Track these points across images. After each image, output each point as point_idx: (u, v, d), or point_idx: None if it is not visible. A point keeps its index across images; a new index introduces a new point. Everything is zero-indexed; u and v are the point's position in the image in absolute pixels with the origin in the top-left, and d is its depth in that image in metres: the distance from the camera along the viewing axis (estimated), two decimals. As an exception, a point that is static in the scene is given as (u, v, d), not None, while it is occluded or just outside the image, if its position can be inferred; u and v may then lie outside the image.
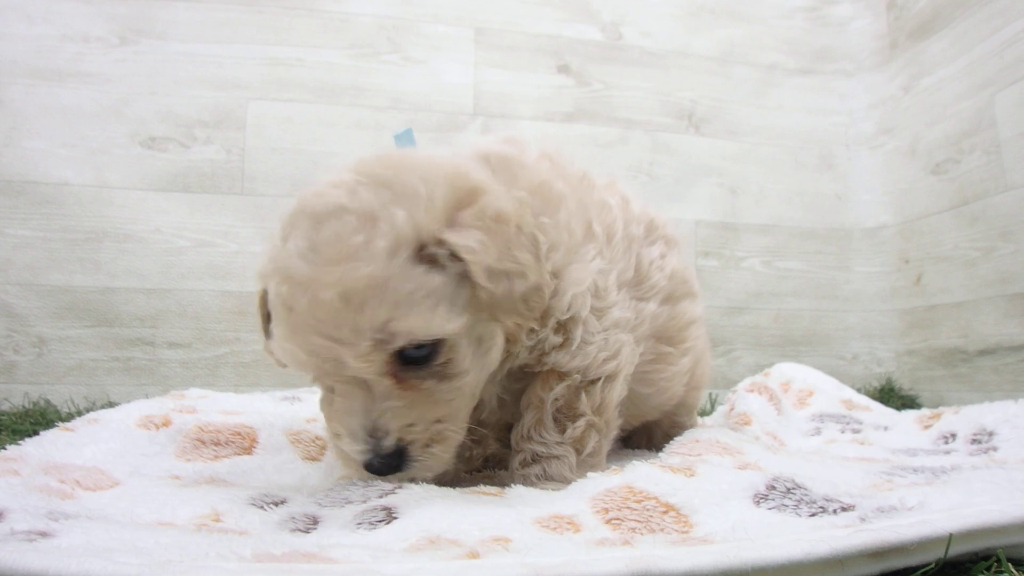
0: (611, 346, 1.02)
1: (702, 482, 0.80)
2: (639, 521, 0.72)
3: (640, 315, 1.10)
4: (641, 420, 1.30)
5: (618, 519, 0.72)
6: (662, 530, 0.71)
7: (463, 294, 0.87)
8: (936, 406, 2.12)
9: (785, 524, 0.71)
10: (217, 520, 0.76)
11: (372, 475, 0.87)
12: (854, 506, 0.75)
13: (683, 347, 1.23)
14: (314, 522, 0.77)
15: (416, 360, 0.86)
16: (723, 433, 1.07)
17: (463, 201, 0.88)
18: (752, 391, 1.53)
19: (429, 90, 2.48)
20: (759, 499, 0.77)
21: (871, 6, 2.84)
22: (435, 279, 0.85)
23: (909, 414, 1.57)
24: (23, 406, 1.95)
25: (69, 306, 2.17)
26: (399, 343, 0.83)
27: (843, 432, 1.49)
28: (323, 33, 2.42)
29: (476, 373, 0.92)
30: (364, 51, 2.44)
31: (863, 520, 0.70)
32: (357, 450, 0.85)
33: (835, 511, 0.73)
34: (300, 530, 0.75)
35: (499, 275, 0.86)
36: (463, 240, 0.85)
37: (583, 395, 1.00)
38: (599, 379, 1.01)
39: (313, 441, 1.20)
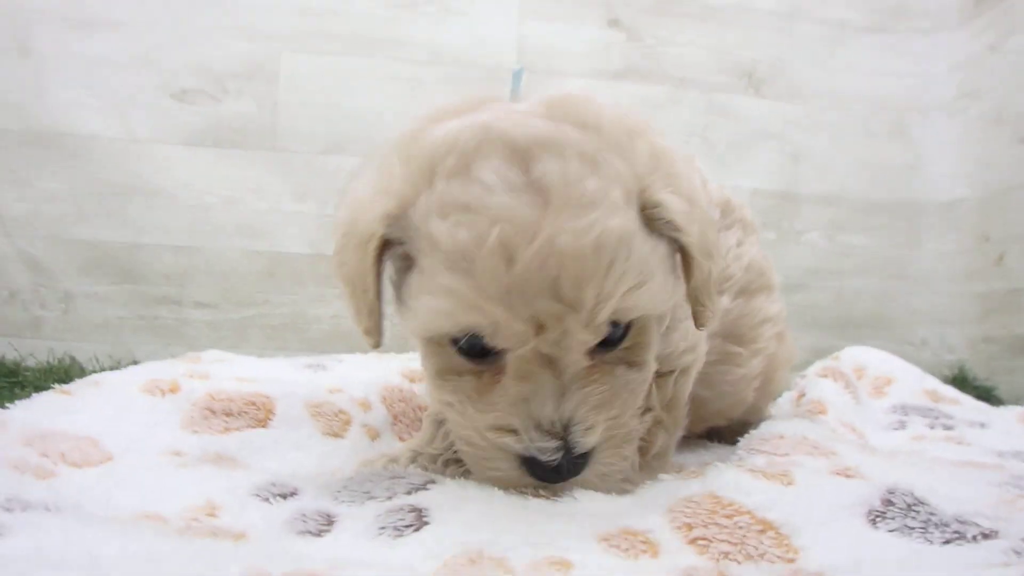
0: (691, 337, 0.89)
1: (801, 492, 0.65)
2: (732, 543, 0.58)
3: None
4: (703, 427, 1.17)
5: (705, 539, 0.58)
6: (762, 556, 0.56)
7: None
8: (1016, 399, 1.93)
9: (920, 555, 0.56)
10: (212, 514, 0.64)
11: (536, 482, 0.70)
12: (997, 532, 0.59)
13: (754, 347, 1.09)
14: (328, 522, 0.64)
15: (610, 341, 0.72)
16: (808, 427, 0.92)
17: (657, 165, 0.74)
18: (825, 376, 1.37)
19: (470, 43, 2.33)
20: (875, 517, 0.62)
21: (953, -44, 2.60)
22: (660, 245, 0.71)
23: (1010, 411, 1.40)
24: (48, 362, 1.88)
25: (96, 261, 2.10)
26: (630, 315, 0.69)
27: (932, 428, 1.32)
28: (360, -19, 2.28)
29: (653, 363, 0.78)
30: (401, 0, 2.29)
31: (1019, 554, 0.55)
32: (545, 448, 0.68)
33: (975, 537, 0.58)
34: (311, 532, 0.62)
35: (706, 254, 0.74)
36: (680, 206, 0.71)
37: (654, 387, 0.86)
38: (674, 371, 0.89)
39: (336, 415, 1.07)
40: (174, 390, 1.04)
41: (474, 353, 0.72)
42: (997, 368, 2.30)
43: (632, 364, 0.75)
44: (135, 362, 1.81)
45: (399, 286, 0.76)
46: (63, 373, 1.74)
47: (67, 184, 2.10)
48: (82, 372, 1.77)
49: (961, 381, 2.23)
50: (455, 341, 0.72)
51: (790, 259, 2.46)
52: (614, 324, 0.70)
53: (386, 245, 0.74)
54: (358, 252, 0.74)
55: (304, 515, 0.66)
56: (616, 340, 0.72)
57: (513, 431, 0.69)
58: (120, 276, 2.12)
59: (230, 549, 0.52)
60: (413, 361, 1.37)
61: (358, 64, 2.27)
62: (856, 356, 1.65)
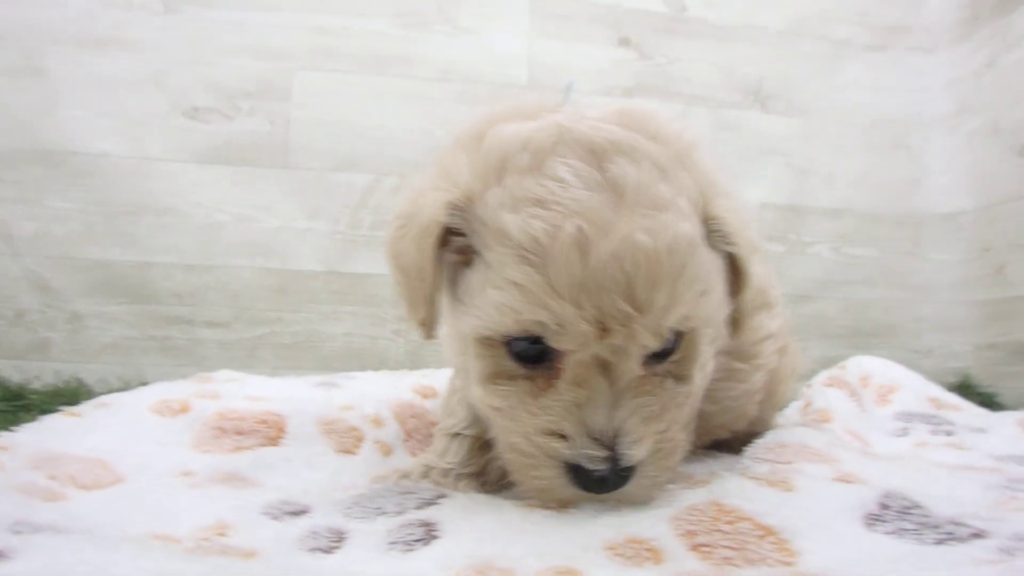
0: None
1: (802, 498, 0.67)
2: (733, 548, 0.60)
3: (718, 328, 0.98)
4: (708, 439, 1.16)
5: (708, 545, 0.60)
6: (762, 560, 0.58)
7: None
8: (1018, 405, 1.95)
9: (913, 555, 0.58)
10: (222, 534, 0.65)
11: (580, 492, 0.69)
12: (988, 531, 0.62)
13: (756, 363, 1.08)
14: (339, 539, 0.65)
15: (663, 352, 0.71)
16: (811, 435, 0.94)
17: (713, 180, 0.75)
18: (831, 385, 1.39)
19: (481, 61, 2.35)
20: (872, 520, 0.64)
21: (951, -23, 2.63)
22: (717, 259, 0.72)
23: (1008, 416, 1.41)
24: (55, 385, 1.88)
25: (105, 281, 2.10)
26: (692, 324, 0.69)
27: (934, 434, 1.34)
28: (370, 1, 2.30)
29: (702, 379, 0.78)
30: (413, 19, 2.31)
31: (1007, 553, 0.58)
32: (594, 456, 0.66)
33: (966, 538, 0.61)
34: (321, 549, 0.63)
35: (753, 269, 0.75)
36: (735, 221, 0.72)
37: None
38: None
39: (348, 432, 1.08)
40: (184, 410, 1.04)
41: (528, 357, 0.70)
42: (1000, 374, 2.32)
43: (680, 378, 0.74)
44: (145, 383, 1.81)
45: (454, 283, 0.75)
46: (70, 395, 1.73)
47: (77, 203, 2.09)
48: (90, 394, 1.75)
49: (965, 388, 2.25)
50: (510, 344, 0.70)
51: (799, 271, 2.48)
52: (672, 334, 0.69)
53: (446, 237, 0.73)
54: (418, 242, 0.73)
55: (315, 532, 0.67)
56: (669, 352, 0.71)
57: (563, 436, 0.68)
58: (130, 296, 2.11)
59: (241, 566, 0.53)
60: (426, 377, 1.39)
61: (370, 82, 2.28)
62: (861, 365, 1.66)
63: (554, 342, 0.67)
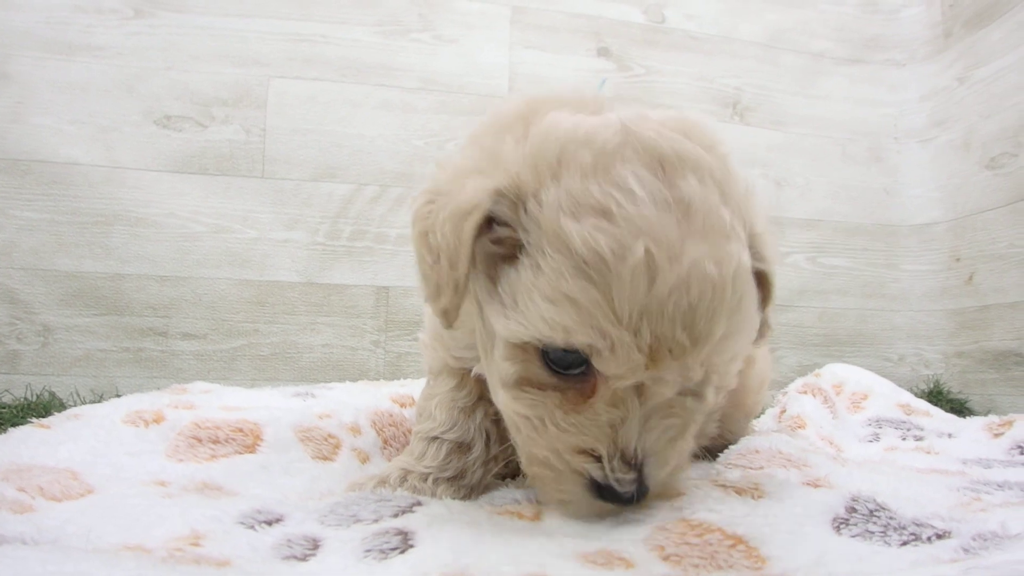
0: None
1: (771, 505, 0.69)
2: (703, 557, 0.60)
3: None
4: None
5: (677, 555, 0.61)
6: (731, 567, 0.59)
7: None
8: (987, 411, 2.03)
9: (877, 556, 0.60)
10: (196, 544, 0.63)
11: (603, 506, 0.68)
12: (950, 532, 0.64)
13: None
14: (314, 546, 0.64)
15: None
16: (783, 441, 0.95)
17: (749, 195, 0.72)
18: (805, 392, 1.42)
19: (462, 71, 2.35)
20: (839, 524, 0.66)
21: (924, -7, 2.69)
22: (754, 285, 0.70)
23: (975, 421, 1.45)
24: (25, 398, 1.83)
25: (77, 293, 2.05)
26: (737, 359, 0.67)
27: (904, 439, 1.38)
28: (350, 8, 2.29)
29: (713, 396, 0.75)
30: (393, 28, 2.31)
31: (967, 552, 0.60)
32: (624, 479, 0.66)
33: (929, 538, 0.63)
34: (296, 557, 0.62)
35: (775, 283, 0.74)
36: (772, 240, 0.70)
37: None
38: None
39: (325, 439, 1.07)
40: (158, 420, 1.02)
41: (562, 365, 0.67)
42: (969, 381, 2.38)
43: (698, 396, 0.72)
44: (118, 396, 1.77)
45: (492, 276, 0.71)
46: (42, 409, 1.69)
47: (45, 213, 2.04)
48: (62, 408, 1.70)
49: (936, 394, 2.31)
50: (546, 352, 0.67)
51: (777, 281, 2.48)
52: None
53: (486, 225, 0.69)
54: (455, 223, 0.67)
55: (289, 540, 0.66)
56: None
57: (596, 457, 0.66)
58: (102, 307, 2.06)
59: (214, 573, 0.52)
60: (404, 387, 1.38)
61: (348, 90, 2.27)
62: (836, 372, 1.70)
63: (600, 364, 0.64)
